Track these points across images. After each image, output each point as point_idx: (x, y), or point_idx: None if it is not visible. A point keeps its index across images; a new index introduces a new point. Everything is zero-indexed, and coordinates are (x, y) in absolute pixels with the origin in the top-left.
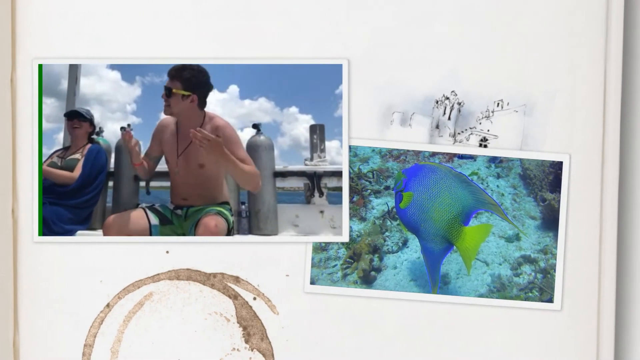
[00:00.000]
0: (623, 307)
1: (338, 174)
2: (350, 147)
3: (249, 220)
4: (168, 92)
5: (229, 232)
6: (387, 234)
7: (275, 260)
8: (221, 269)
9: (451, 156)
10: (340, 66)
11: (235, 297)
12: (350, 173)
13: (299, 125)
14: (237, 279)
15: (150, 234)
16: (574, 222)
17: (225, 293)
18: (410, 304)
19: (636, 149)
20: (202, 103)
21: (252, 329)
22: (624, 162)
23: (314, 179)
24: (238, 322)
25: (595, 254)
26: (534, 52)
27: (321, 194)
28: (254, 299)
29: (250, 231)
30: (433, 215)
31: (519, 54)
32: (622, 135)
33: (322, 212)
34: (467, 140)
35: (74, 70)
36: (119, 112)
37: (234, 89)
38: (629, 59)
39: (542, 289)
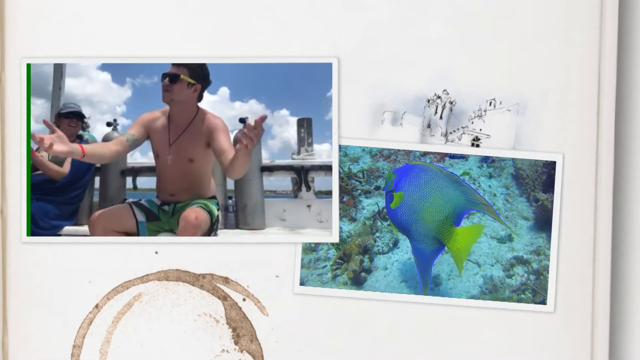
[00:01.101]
0: (618, 309)
1: (325, 168)
2: (340, 146)
3: (236, 214)
4: (174, 78)
5: (212, 226)
6: (377, 234)
7: (265, 261)
8: (210, 270)
9: (442, 156)
10: (330, 65)
11: (224, 298)
12: (340, 173)
13: (290, 127)
14: (226, 280)
15: (137, 230)
16: (568, 222)
17: (215, 294)
18: (401, 305)
19: (631, 148)
20: (200, 96)
21: (241, 330)
22: (618, 162)
23: (301, 173)
24: (227, 324)
25: (589, 255)
26: (527, 50)
27: (308, 188)
28: (244, 300)
29: (237, 226)
30: (424, 215)
31: (512, 52)
32: (616, 134)
33: (309, 206)
34: (459, 140)
35: (59, 66)
36: (109, 114)
37: (224, 90)
38: (624, 57)
39: (535, 290)
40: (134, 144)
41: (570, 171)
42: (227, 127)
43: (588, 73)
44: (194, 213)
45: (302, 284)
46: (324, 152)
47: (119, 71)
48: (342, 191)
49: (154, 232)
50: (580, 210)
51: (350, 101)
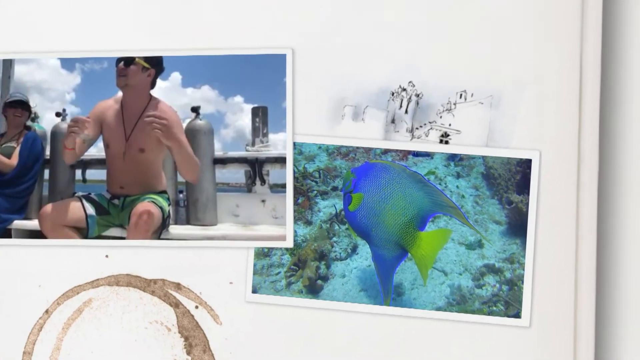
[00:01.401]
0: (603, 324)
1: (281, 161)
2: (295, 144)
3: (187, 209)
4: (129, 61)
5: (164, 222)
6: (334, 239)
7: (218, 266)
8: (162, 275)
9: (405, 154)
10: (284, 56)
11: (176, 305)
12: (294, 172)
13: (244, 115)
14: (178, 286)
15: (87, 225)
16: (545, 227)
17: (166, 301)
18: (360, 316)
19: (617, 145)
20: (153, 83)
21: (194, 339)
22: (603, 159)
23: (256, 166)
24: (179, 332)
25: (570, 263)
26: (501, 36)
27: (263, 181)
28: (196, 307)
29: (188, 221)
30: (385, 219)
31: (485, 39)
32: (600, 129)
33: (263, 201)
34: (426, 136)
35: None
36: (58, 102)
37: (176, 76)
38: (608, 44)
39: (508, 302)
40: (90, 144)
41: (548, 170)
42: (180, 120)
43: (569, 62)
44: (145, 208)
45: (254, 291)
46: (279, 142)
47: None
48: (297, 192)
49: (104, 227)
50: (560, 214)
51: (307, 95)
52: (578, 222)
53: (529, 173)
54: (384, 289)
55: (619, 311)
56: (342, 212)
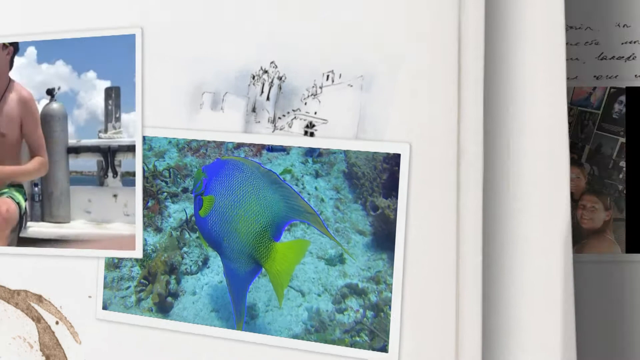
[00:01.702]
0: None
1: (133, 149)
2: (144, 138)
3: (42, 204)
4: None
5: (22, 219)
6: (185, 249)
7: (77, 276)
8: (26, 285)
9: (259, 148)
10: (133, 37)
11: (38, 319)
12: (144, 171)
13: (97, 94)
14: (40, 298)
15: None
16: (417, 239)
17: (29, 314)
18: (210, 341)
19: (506, 135)
20: (11, 63)
21: (54, 359)
22: (488, 155)
23: (108, 156)
24: (41, 350)
25: (449, 283)
26: (373, 6)
27: (115, 173)
28: (57, 323)
29: (42, 217)
30: (238, 226)
31: (354, 9)
32: (486, 119)
33: (115, 196)
34: (290, 127)
35: None
36: None
37: (31, 51)
38: (494, 15)
39: (373, 332)
40: None
41: (420, 167)
42: (37, 108)
43: (446, 32)
44: (5, 205)
45: (105, 307)
46: (132, 124)
47: None
48: (147, 194)
49: None
50: (436, 222)
51: (161, 81)
52: (459, 232)
53: (398, 171)
54: (236, 310)
55: (510, 342)
56: (193, 218)
